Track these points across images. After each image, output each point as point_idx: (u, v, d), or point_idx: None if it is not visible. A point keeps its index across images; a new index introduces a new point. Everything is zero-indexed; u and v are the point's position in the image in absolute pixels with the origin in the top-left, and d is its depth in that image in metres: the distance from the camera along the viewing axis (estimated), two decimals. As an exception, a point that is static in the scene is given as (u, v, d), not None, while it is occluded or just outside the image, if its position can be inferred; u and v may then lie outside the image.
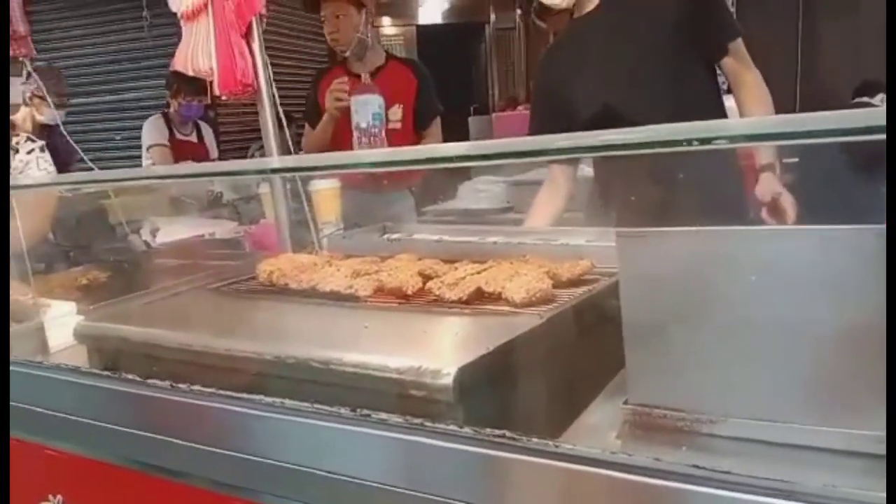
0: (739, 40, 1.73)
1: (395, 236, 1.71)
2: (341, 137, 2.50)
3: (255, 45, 1.67)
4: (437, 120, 2.82)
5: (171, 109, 3.74)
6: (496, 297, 1.13)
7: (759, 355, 0.75)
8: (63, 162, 2.78)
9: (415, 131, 2.74)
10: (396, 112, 2.67)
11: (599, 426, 0.85)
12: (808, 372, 0.73)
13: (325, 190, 2.03)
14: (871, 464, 0.70)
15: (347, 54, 2.67)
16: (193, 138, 3.83)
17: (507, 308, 1.10)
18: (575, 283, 1.23)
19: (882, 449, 0.70)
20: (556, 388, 0.99)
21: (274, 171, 1.23)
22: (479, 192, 2.91)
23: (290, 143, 1.86)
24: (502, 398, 0.90)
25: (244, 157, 4.75)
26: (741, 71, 1.74)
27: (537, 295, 1.10)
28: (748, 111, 1.73)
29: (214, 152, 3.92)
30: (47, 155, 2.33)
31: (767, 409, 0.75)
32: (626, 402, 0.83)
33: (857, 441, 0.71)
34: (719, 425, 0.77)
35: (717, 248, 0.77)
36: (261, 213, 2.20)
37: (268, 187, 1.92)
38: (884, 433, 0.70)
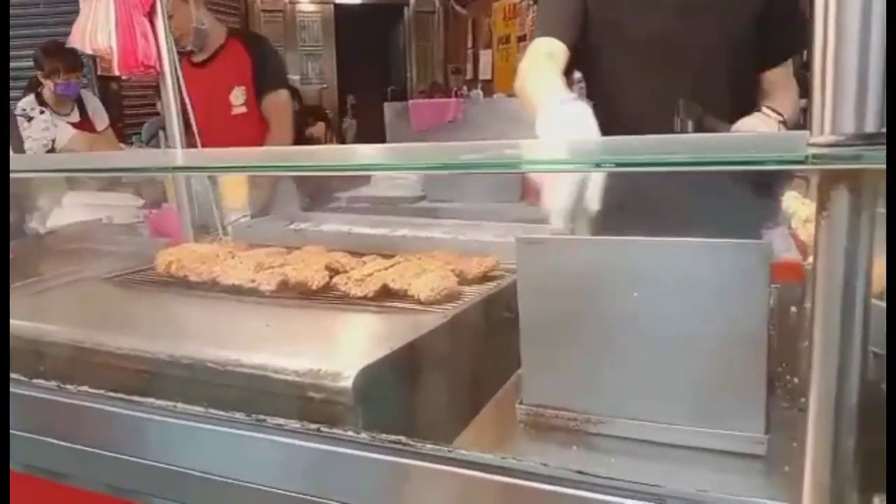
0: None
1: (302, 226, 1.68)
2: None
3: (160, 26, 1.60)
4: (278, 94, 2.62)
5: (45, 90, 3.35)
6: (402, 295, 1.14)
7: (644, 360, 0.78)
8: None
9: (260, 112, 2.60)
10: (238, 96, 2.54)
11: (496, 425, 0.88)
12: (690, 376, 0.77)
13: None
14: (750, 464, 0.75)
15: (189, 48, 2.50)
16: (75, 117, 3.47)
17: (412, 306, 1.10)
18: (481, 279, 1.25)
19: (758, 449, 0.75)
20: (458, 386, 1.00)
21: (175, 169, 1.18)
22: (393, 180, 2.90)
23: (195, 127, 1.79)
24: (404, 399, 0.90)
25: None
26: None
27: (443, 293, 1.12)
28: None
29: (102, 125, 3.63)
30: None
31: (652, 410, 0.79)
32: (521, 402, 0.86)
33: (736, 442, 0.76)
34: (607, 425, 0.81)
35: (609, 257, 0.80)
36: (163, 196, 2.11)
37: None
38: (759, 434, 0.76)
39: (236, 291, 1.20)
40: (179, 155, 1.50)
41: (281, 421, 0.76)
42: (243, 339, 1.00)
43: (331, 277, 1.21)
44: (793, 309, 1.11)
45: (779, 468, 0.72)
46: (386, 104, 3.60)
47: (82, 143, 3.17)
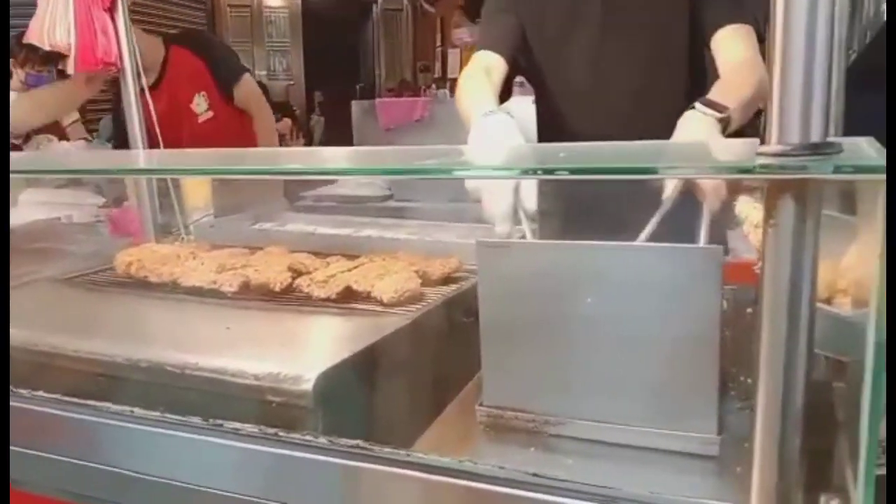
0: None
1: (266, 226, 1.67)
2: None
3: (120, 21, 1.57)
4: (244, 81, 2.57)
5: (14, 80, 3.33)
6: (365, 296, 1.14)
7: (601, 362, 0.80)
8: None
9: (230, 108, 2.56)
10: (201, 103, 2.48)
11: (457, 426, 0.88)
12: (646, 378, 0.78)
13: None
14: (703, 464, 0.76)
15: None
16: None
17: (375, 307, 1.10)
18: (444, 280, 1.26)
19: (711, 450, 0.77)
20: (420, 388, 1.01)
21: (139, 171, 1.15)
22: (359, 178, 2.88)
23: (157, 128, 1.76)
24: (365, 402, 0.91)
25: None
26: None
27: (406, 294, 1.12)
28: None
29: (69, 119, 3.56)
30: None
31: (608, 412, 0.80)
32: (481, 404, 0.87)
33: (689, 443, 0.78)
34: (565, 426, 0.82)
35: (567, 261, 0.81)
36: (124, 195, 2.08)
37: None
38: (712, 435, 0.77)
39: (197, 293, 1.19)
40: (142, 155, 1.48)
41: (238, 425, 0.75)
42: (203, 342, 0.99)
43: (293, 279, 1.20)
44: (748, 310, 1.13)
45: (731, 469, 0.74)
46: (353, 102, 3.58)
47: (28, 104, 3.01)
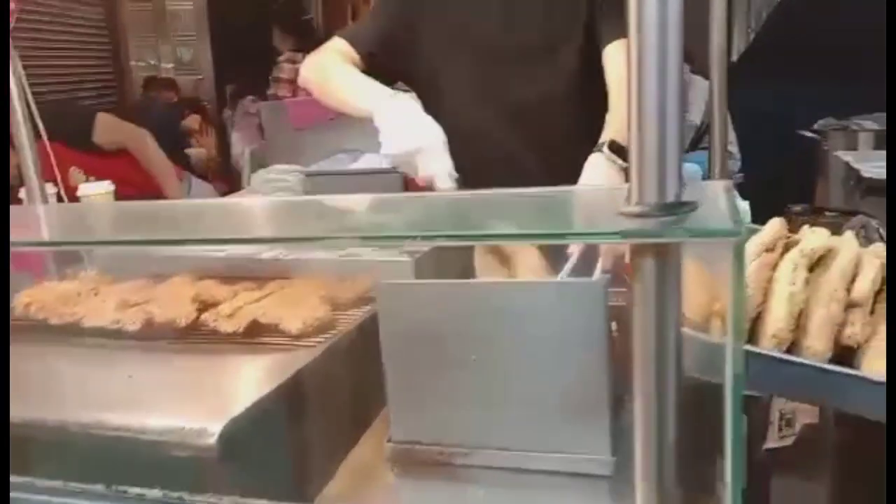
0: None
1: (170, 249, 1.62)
2: None
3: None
4: (97, 122, 2.49)
5: None
6: (274, 328, 1.13)
7: (501, 392, 0.83)
8: None
9: (108, 159, 2.46)
10: (78, 176, 2.33)
11: (369, 462, 0.91)
12: (544, 406, 0.83)
13: (97, 195, 1.88)
14: (597, 485, 0.81)
15: None
16: None
17: (284, 341, 1.10)
18: (355, 302, 1.27)
19: (605, 470, 0.82)
20: (332, 423, 1.02)
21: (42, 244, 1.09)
22: (271, 183, 2.82)
23: (55, 169, 1.66)
24: (276, 447, 0.91)
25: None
26: None
27: (314, 325, 1.12)
28: None
29: None
30: None
31: (511, 440, 0.84)
32: (389, 440, 0.89)
33: (585, 465, 0.82)
34: (471, 457, 0.85)
35: (464, 299, 0.84)
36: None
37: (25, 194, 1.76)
38: (605, 456, 0.82)
39: (100, 334, 1.16)
40: (42, 212, 1.41)
41: (141, 490, 0.75)
42: (105, 395, 0.97)
43: (199, 312, 1.18)
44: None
45: (622, 488, 0.79)
46: (261, 105, 3.50)
47: None
